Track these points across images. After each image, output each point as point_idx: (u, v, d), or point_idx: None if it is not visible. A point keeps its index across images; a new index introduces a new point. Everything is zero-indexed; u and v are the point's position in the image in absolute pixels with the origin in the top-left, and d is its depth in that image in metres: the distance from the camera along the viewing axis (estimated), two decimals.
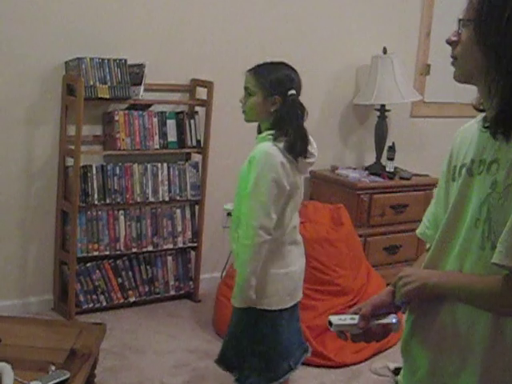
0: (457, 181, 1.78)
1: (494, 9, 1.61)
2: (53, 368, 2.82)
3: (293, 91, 3.10)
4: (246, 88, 3.13)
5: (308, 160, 3.09)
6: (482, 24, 1.64)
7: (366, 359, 4.33)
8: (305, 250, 3.33)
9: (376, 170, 5.68)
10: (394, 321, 1.86)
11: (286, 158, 3.00)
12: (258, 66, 3.15)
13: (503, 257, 1.58)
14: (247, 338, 3.17)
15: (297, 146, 3.02)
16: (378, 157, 5.77)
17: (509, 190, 1.61)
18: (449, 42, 1.73)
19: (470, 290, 1.68)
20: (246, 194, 2.99)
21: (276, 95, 3.06)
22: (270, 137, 3.02)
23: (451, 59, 1.73)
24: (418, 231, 2.02)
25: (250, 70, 3.14)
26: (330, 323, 1.86)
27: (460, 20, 1.71)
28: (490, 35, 1.62)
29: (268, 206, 2.96)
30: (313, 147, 3.13)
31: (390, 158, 5.67)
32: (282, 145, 3.00)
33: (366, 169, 5.77)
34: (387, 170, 5.65)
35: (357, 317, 1.85)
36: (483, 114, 1.75)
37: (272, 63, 3.16)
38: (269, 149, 2.98)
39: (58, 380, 2.72)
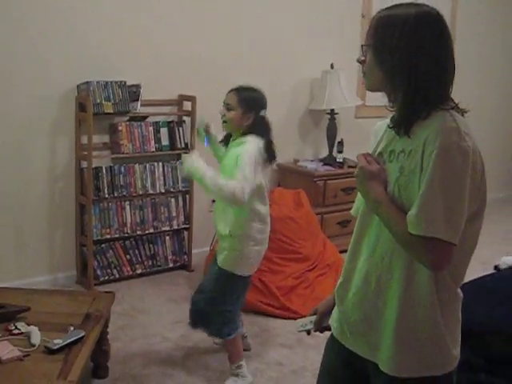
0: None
1: (385, 38, 1.62)
2: (71, 328, 2.85)
3: (264, 112, 3.13)
4: (227, 104, 3.14)
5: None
6: (377, 50, 1.64)
7: None
8: (274, 226, 3.40)
9: (329, 160, 5.69)
10: None
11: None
12: (239, 88, 3.17)
13: (413, 226, 1.58)
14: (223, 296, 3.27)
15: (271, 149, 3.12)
16: (330, 150, 5.78)
17: (413, 173, 1.61)
18: (359, 61, 1.73)
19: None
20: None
21: (251, 112, 3.09)
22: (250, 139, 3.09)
23: (362, 74, 1.74)
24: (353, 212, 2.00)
25: (233, 90, 3.16)
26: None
27: (362, 45, 1.71)
28: (384, 59, 1.63)
29: None
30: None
31: (340, 151, 5.68)
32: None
33: (321, 160, 5.79)
34: (338, 160, 5.66)
35: (313, 321, 1.98)
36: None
37: (249, 87, 3.19)
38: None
39: (75, 337, 2.75)
